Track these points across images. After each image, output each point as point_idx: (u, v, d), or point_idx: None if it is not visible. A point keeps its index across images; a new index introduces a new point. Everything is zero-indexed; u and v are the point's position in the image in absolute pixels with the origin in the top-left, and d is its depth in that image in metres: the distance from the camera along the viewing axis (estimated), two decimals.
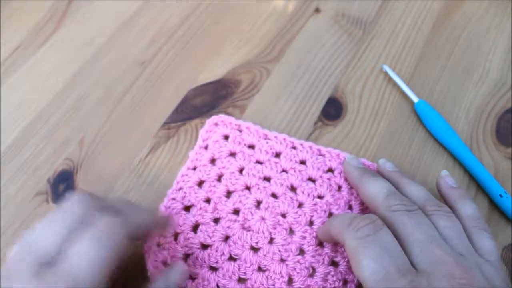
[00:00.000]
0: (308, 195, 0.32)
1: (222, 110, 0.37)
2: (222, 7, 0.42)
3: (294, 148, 0.34)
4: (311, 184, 0.32)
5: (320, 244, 0.31)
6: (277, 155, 0.34)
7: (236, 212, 0.32)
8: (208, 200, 0.32)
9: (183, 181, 0.32)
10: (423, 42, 0.41)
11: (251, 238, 0.30)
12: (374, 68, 0.40)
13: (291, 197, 0.32)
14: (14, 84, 0.38)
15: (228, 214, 0.31)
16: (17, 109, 0.37)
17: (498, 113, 0.38)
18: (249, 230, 0.31)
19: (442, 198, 0.32)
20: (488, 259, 0.26)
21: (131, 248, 0.26)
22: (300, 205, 0.32)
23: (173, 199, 0.32)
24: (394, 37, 0.41)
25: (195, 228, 0.31)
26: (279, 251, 0.30)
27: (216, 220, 0.31)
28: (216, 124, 0.35)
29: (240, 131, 0.34)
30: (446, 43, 0.41)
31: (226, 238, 0.31)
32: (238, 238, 0.30)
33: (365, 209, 0.32)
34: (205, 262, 0.30)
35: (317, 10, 0.43)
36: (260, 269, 0.30)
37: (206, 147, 0.34)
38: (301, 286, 0.29)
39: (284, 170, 0.33)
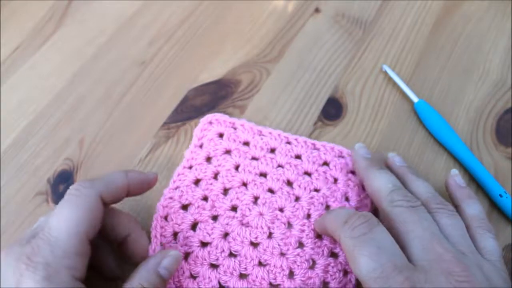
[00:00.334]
0: (305, 188, 0.32)
1: (222, 110, 0.37)
2: (222, 7, 0.42)
3: (289, 143, 0.34)
4: (307, 178, 0.33)
5: (319, 236, 0.31)
6: (272, 150, 0.34)
7: (234, 208, 0.32)
8: (205, 198, 0.32)
9: (180, 180, 0.32)
10: (423, 42, 0.41)
11: (250, 234, 0.31)
12: (374, 68, 0.40)
13: (287, 192, 0.32)
14: (14, 84, 0.38)
15: (226, 211, 0.31)
16: (17, 109, 0.37)
17: (498, 113, 0.38)
18: (247, 226, 0.31)
19: (449, 196, 0.32)
20: (489, 258, 0.27)
21: (106, 210, 0.26)
22: (297, 199, 0.32)
23: (171, 198, 0.32)
24: (394, 37, 0.41)
25: (193, 226, 0.31)
26: (279, 245, 0.30)
27: (215, 218, 0.31)
28: (210, 122, 0.35)
29: (235, 128, 0.35)
30: (446, 43, 0.41)
31: (225, 235, 0.31)
32: (237, 234, 0.30)
33: (361, 200, 0.32)
34: (205, 260, 0.30)
35: (317, 10, 0.43)
36: (260, 264, 0.30)
37: (201, 146, 0.34)
38: (302, 279, 0.29)
39: (280, 165, 0.33)
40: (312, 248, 0.30)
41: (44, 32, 0.41)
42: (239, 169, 0.33)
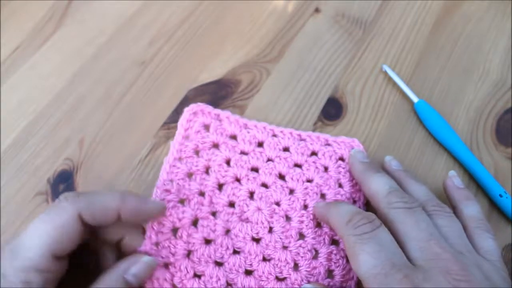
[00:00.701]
0: (298, 180, 0.32)
1: (222, 110, 0.37)
2: (222, 7, 0.42)
3: (275, 135, 0.34)
4: (298, 170, 0.33)
5: (318, 225, 0.31)
6: (260, 144, 0.34)
7: (231, 204, 0.32)
8: (202, 194, 0.32)
9: (172, 172, 0.32)
10: (423, 42, 0.41)
11: (251, 230, 0.31)
12: (374, 68, 0.40)
13: (281, 185, 0.32)
14: (14, 84, 0.38)
15: (224, 207, 0.31)
16: (17, 109, 0.37)
17: (498, 113, 0.38)
18: (247, 222, 0.31)
19: (448, 197, 0.32)
20: (489, 258, 0.27)
21: (86, 231, 0.24)
22: (292, 191, 0.32)
23: (167, 190, 0.31)
24: (394, 37, 0.41)
25: (194, 223, 0.31)
26: (280, 238, 0.30)
27: (214, 214, 0.31)
28: (195, 113, 0.34)
29: (220, 120, 0.34)
30: (446, 43, 0.41)
31: (227, 231, 0.31)
32: (239, 230, 0.30)
33: (354, 184, 0.33)
34: (210, 258, 0.29)
35: (317, 10, 0.43)
36: (265, 259, 0.30)
37: (187, 137, 0.34)
38: (308, 269, 0.30)
39: (269, 159, 0.33)
40: (314, 238, 0.31)
41: (44, 32, 0.41)
42: (231, 164, 0.33)
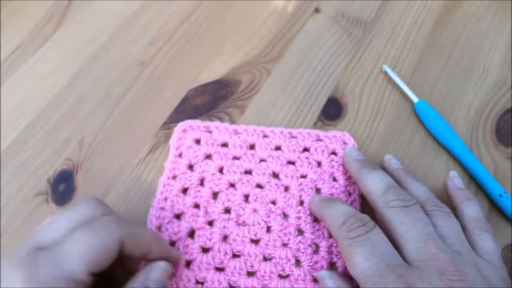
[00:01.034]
0: (292, 177, 0.32)
1: (222, 110, 0.37)
2: (222, 7, 0.42)
3: (266, 136, 0.34)
4: (291, 167, 0.33)
5: (316, 219, 0.31)
6: (252, 147, 0.34)
7: (227, 211, 0.32)
8: (197, 206, 0.32)
9: (166, 190, 0.32)
10: (423, 42, 0.41)
11: (248, 232, 0.31)
12: (374, 68, 0.40)
13: (276, 184, 0.32)
14: (14, 84, 0.38)
15: (220, 215, 0.31)
16: (17, 109, 0.37)
17: (498, 113, 0.38)
18: (244, 225, 0.31)
19: (448, 197, 0.32)
20: (488, 258, 0.27)
21: (117, 257, 0.25)
22: (287, 188, 0.32)
23: (162, 208, 0.32)
24: (394, 37, 0.41)
25: (191, 234, 0.31)
26: (279, 237, 0.31)
27: (210, 223, 0.31)
28: (184, 130, 0.35)
29: (210, 132, 0.35)
30: (446, 43, 0.41)
31: (225, 237, 0.31)
32: (236, 234, 0.31)
33: (348, 177, 0.33)
34: (210, 264, 0.30)
35: (317, 10, 0.43)
36: (265, 258, 0.30)
37: (180, 155, 0.34)
38: (310, 264, 0.30)
39: (262, 160, 0.33)
40: (312, 233, 0.31)
41: (44, 32, 0.41)
42: (224, 171, 0.33)
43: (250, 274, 0.30)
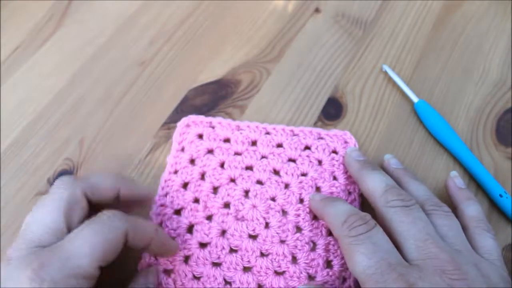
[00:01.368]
0: (292, 175, 0.33)
1: (222, 110, 0.37)
2: (222, 7, 0.42)
3: (268, 133, 0.35)
4: (292, 164, 0.33)
5: (315, 217, 0.31)
6: (254, 143, 0.34)
7: (226, 205, 0.32)
8: (196, 200, 0.32)
9: (168, 186, 0.32)
10: (423, 42, 0.41)
11: (247, 227, 0.31)
12: (374, 68, 0.40)
13: (276, 180, 0.32)
14: (14, 84, 0.38)
15: (219, 209, 0.31)
16: (17, 109, 0.37)
17: (498, 113, 0.38)
18: (243, 220, 0.31)
19: (449, 197, 0.32)
20: (488, 258, 0.27)
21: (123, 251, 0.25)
22: (287, 186, 0.33)
23: (162, 205, 0.32)
24: (394, 37, 0.41)
25: (189, 229, 0.31)
26: (277, 233, 0.31)
27: (209, 218, 0.31)
28: (188, 125, 0.35)
29: (213, 127, 0.35)
30: (446, 43, 0.41)
31: (223, 232, 0.31)
32: (235, 229, 0.31)
33: (348, 176, 0.33)
34: (207, 259, 0.30)
35: (317, 10, 0.43)
36: (262, 254, 0.30)
37: (182, 150, 0.34)
38: (306, 262, 0.30)
39: (263, 156, 0.34)
40: (310, 230, 0.31)
41: (44, 32, 0.41)
42: (225, 166, 0.33)
43: (246, 269, 0.30)
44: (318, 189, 0.33)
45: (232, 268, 0.30)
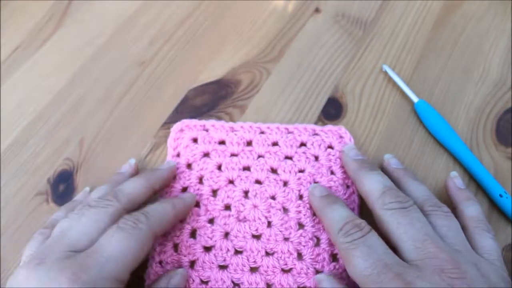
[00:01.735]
0: (290, 172, 0.33)
1: (222, 110, 0.37)
2: (222, 7, 0.42)
3: (262, 132, 0.35)
4: (289, 162, 0.33)
5: (315, 213, 0.31)
6: (249, 143, 0.34)
7: (227, 207, 0.32)
8: (197, 204, 0.32)
9: (166, 192, 0.32)
10: (423, 42, 0.41)
11: (250, 228, 0.31)
12: (374, 68, 0.40)
13: (274, 179, 0.33)
14: (14, 84, 0.38)
15: (220, 212, 0.31)
16: (17, 109, 0.37)
17: (498, 113, 0.38)
18: (245, 221, 0.31)
19: (448, 197, 0.32)
20: (488, 258, 0.27)
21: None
22: (285, 183, 0.33)
23: None
24: (394, 37, 0.41)
25: (192, 234, 0.31)
26: (280, 231, 0.31)
27: (211, 221, 0.31)
28: (181, 130, 0.35)
29: (207, 130, 0.35)
30: (446, 43, 0.41)
31: (226, 234, 0.31)
32: (238, 231, 0.31)
33: (345, 171, 0.33)
34: (213, 263, 0.30)
35: (317, 10, 0.43)
36: (267, 253, 0.30)
37: (178, 155, 0.34)
38: (312, 257, 0.30)
39: (260, 156, 0.34)
40: (313, 226, 0.31)
41: (44, 32, 0.41)
42: (222, 168, 0.33)
43: (253, 270, 0.30)
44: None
45: (239, 269, 0.30)
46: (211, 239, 0.30)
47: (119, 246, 0.25)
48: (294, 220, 0.31)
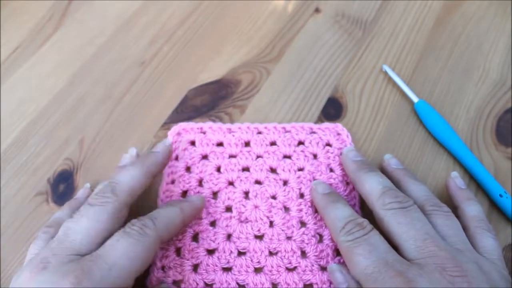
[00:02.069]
0: (289, 171, 0.33)
1: (222, 110, 0.37)
2: (222, 7, 0.42)
3: (260, 133, 0.35)
4: (288, 161, 0.33)
5: (317, 210, 0.31)
6: (247, 144, 0.34)
7: (228, 209, 0.32)
8: None
9: (166, 197, 0.32)
10: (423, 42, 0.41)
11: (252, 228, 0.31)
12: (374, 68, 0.40)
13: (274, 178, 0.33)
14: (14, 84, 0.38)
15: (222, 214, 0.31)
16: (17, 109, 0.37)
17: (498, 113, 0.38)
18: (247, 222, 0.31)
19: (449, 197, 0.32)
20: (489, 257, 0.27)
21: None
22: (285, 182, 0.33)
23: None
24: (394, 37, 0.41)
25: (195, 237, 0.31)
26: (282, 230, 0.31)
27: (213, 223, 0.31)
28: (179, 133, 0.35)
29: (204, 132, 0.35)
30: (446, 43, 0.41)
31: (229, 236, 0.31)
32: (240, 232, 0.31)
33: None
34: (216, 266, 0.30)
35: (317, 10, 0.43)
36: (271, 253, 0.30)
37: (176, 158, 0.34)
38: (316, 254, 0.30)
39: (259, 156, 0.34)
40: (315, 223, 0.31)
41: (44, 32, 0.41)
42: (221, 170, 0.33)
43: (258, 270, 0.30)
44: None
45: (243, 271, 0.30)
46: (213, 241, 0.30)
47: (124, 253, 0.24)
48: (296, 218, 0.31)
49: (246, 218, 0.31)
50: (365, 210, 0.32)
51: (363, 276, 0.25)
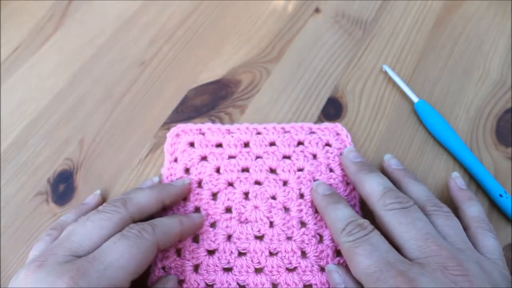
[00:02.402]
0: (289, 171, 0.33)
1: (222, 110, 0.37)
2: (222, 7, 0.42)
3: (259, 133, 0.35)
4: (287, 161, 0.33)
5: (317, 210, 0.31)
6: (246, 144, 0.34)
7: (228, 210, 0.32)
8: (197, 209, 0.32)
9: None
10: (423, 42, 0.41)
11: (252, 229, 0.31)
12: (374, 68, 0.40)
13: (274, 179, 0.33)
14: (14, 84, 0.38)
15: (221, 215, 0.31)
16: (17, 109, 0.37)
17: (498, 113, 0.38)
18: (247, 222, 0.31)
19: (450, 197, 0.32)
20: (490, 257, 0.27)
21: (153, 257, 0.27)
22: (285, 183, 0.33)
23: None
24: (394, 37, 0.41)
25: (195, 238, 0.31)
26: (283, 230, 0.31)
27: (213, 225, 0.31)
28: (177, 135, 0.35)
29: (203, 133, 0.35)
30: (446, 43, 0.41)
31: (229, 237, 0.31)
32: (240, 233, 0.31)
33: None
34: (217, 266, 0.30)
35: (317, 10, 0.43)
36: (271, 253, 0.30)
37: (175, 160, 0.34)
38: (316, 254, 0.30)
39: (258, 157, 0.34)
40: (315, 224, 0.31)
41: (44, 32, 0.41)
42: (221, 171, 0.33)
43: (258, 271, 0.30)
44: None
45: (243, 271, 0.30)
46: (214, 242, 0.30)
47: (121, 254, 0.24)
48: (296, 219, 0.31)
49: (246, 219, 0.31)
50: (365, 210, 0.32)
51: (364, 276, 0.25)
